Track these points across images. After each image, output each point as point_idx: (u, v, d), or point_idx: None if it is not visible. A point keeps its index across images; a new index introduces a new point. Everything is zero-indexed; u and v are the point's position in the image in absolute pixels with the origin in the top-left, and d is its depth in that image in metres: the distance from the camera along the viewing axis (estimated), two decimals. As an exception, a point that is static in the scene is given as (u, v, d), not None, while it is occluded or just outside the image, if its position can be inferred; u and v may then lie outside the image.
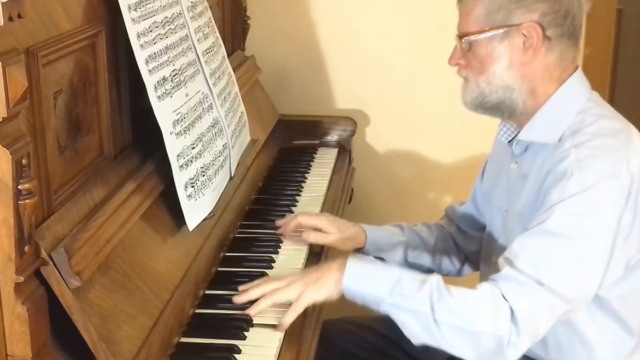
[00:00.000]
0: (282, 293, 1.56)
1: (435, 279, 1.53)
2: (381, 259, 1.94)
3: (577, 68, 1.67)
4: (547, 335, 1.64)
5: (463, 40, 1.65)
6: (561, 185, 1.53)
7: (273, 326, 1.54)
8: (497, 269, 1.75)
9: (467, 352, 1.51)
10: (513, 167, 1.73)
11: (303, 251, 1.85)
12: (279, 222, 1.93)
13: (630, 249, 1.57)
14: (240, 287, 1.62)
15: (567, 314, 1.55)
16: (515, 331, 1.47)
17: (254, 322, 1.54)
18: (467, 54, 1.66)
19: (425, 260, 1.96)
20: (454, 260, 1.99)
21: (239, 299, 1.59)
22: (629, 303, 1.63)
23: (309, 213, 1.97)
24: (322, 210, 2.11)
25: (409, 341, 1.94)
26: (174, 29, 1.68)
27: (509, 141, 1.74)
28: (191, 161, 1.64)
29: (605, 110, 1.66)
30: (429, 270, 1.91)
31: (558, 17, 1.60)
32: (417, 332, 1.53)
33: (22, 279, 1.15)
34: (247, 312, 1.56)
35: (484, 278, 1.85)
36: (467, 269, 2.00)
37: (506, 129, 1.75)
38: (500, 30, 1.60)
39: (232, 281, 1.70)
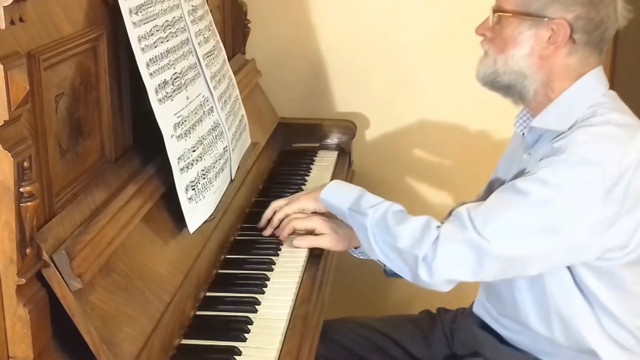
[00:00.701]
0: (288, 206, 1.88)
1: (388, 204, 1.70)
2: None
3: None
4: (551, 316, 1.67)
5: (495, 14, 1.67)
6: (550, 159, 1.58)
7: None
8: None
9: (396, 266, 1.68)
10: (525, 157, 1.74)
11: (303, 253, 1.85)
12: (263, 220, 1.94)
13: (612, 240, 1.57)
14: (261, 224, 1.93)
15: (505, 272, 1.61)
16: (432, 255, 1.58)
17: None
18: (494, 27, 1.68)
19: None
20: None
21: (266, 233, 1.91)
22: (623, 300, 1.64)
23: (301, 216, 1.90)
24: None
25: (409, 341, 1.96)
26: (175, 32, 1.69)
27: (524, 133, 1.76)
28: (192, 164, 1.65)
29: (619, 106, 1.68)
30: None
31: (590, 24, 1.61)
32: (365, 244, 1.72)
33: (23, 281, 1.15)
34: (265, 233, 1.90)
35: None
36: None
37: (522, 121, 1.77)
38: (532, 18, 1.62)
39: (233, 283, 1.71)
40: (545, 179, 1.56)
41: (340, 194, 1.80)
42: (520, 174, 1.72)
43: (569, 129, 1.62)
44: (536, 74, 1.65)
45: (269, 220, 1.92)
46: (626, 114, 1.67)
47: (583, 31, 1.61)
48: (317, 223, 1.86)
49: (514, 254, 1.58)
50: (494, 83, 1.70)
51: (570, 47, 1.63)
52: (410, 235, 1.62)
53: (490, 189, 1.94)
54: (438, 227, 1.62)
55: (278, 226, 1.90)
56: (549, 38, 1.62)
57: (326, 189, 1.83)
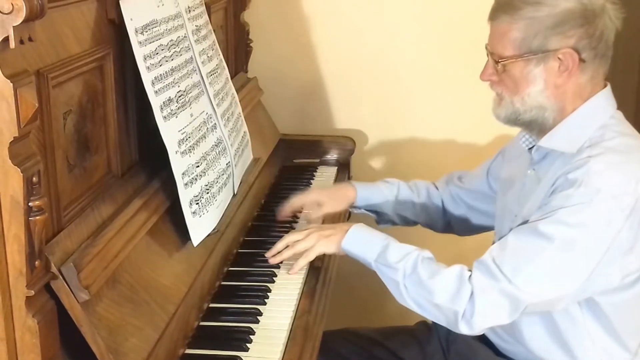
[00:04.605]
0: (300, 244, 1.80)
1: (416, 254, 1.67)
2: (375, 212, 2.10)
3: (606, 85, 1.70)
4: (528, 338, 1.69)
5: (498, 63, 1.66)
6: (567, 193, 1.56)
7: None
8: None
9: (433, 317, 1.67)
10: (530, 173, 1.75)
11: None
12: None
13: (630, 264, 1.59)
14: (268, 252, 1.85)
15: (538, 310, 1.62)
16: (470, 311, 1.57)
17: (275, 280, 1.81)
18: (501, 74, 1.67)
19: (411, 213, 2.11)
20: (438, 219, 2.12)
21: (269, 255, 1.83)
22: (622, 314, 1.65)
23: (299, 196, 2.12)
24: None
25: (406, 351, 1.98)
26: (180, 51, 1.71)
27: (530, 148, 1.77)
28: (196, 179, 1.67)
29: (626, 129, 1.68)
30: (415, 223, 2.12)
31: (593, 40, 1.61)
32: (395, 295, 1.69)
33: (32, 292, 1.17)
34: (271, 260, 1.83)
35: None
36: (449, 228, 2.13)
37: (528, 135, 1.77)
38: (537, 56, 1.62)
39: (235, 295, 1.74)
40: (567, 221, 1.54)
41: (364, 244, 1.74)
42: (525, 189, 1.74)
43: (578, 150, 1.62)
44: (554, 104, 1.65)
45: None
46: (633, 136, 1.67)
47: (589, 48, 1.61)
48: (314, 196, 2.08)
49: (548, 297, 1.58)
50: (516, 121, 1.71)
51: (582, 67, 1.63)
52: (445, 290, 1.60)
53: (481, 186, 2.04)
54: (470, 277, 1.60)
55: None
56: (558, 67, 1.62)
57: (348, 236, 1.75)
